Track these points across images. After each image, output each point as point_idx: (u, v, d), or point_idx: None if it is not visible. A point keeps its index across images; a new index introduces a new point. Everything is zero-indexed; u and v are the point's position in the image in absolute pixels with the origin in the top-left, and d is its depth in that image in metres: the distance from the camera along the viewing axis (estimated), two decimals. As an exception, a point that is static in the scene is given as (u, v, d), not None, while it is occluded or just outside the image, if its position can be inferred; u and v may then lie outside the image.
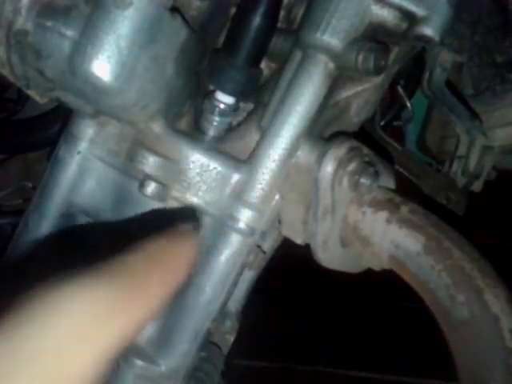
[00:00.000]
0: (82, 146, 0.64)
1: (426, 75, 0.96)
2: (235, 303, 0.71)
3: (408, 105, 0.96)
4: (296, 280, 1.90)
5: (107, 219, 0.65)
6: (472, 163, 0.98)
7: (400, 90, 0.94)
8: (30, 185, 0.99)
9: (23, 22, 0.55)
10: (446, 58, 0.93)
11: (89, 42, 0.54)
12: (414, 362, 1.75)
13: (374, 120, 0.93)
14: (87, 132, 0.64)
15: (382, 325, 1.89)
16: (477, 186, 1.01)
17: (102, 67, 0.54)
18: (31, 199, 0.69)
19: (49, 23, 0.55)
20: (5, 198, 1.01)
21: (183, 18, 0.58)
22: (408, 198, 0.60)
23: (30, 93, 0.61)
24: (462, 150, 0.99)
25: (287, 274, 1.62)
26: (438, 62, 0.94)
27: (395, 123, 1.08)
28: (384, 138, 0.92)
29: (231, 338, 0.72)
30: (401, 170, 0.93)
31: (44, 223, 0.66)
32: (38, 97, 0.61)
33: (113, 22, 0.53)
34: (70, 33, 0.55)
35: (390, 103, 1.01)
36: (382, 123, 0.97)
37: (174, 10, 0.58)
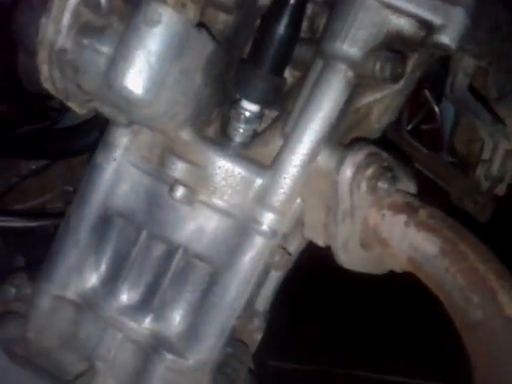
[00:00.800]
0: (118, 153, 0.69)
1: (449, 80, 0.96)
2: (263, 303, 0.73)
3: (436, 109, 0.97)
4: (322, 282, 1.89)
5: (140, 221, 0.69)
6: (495, 167, 0.98)
7: (427, 93, 0.95)
8: (71, 189, 1.05)
9: (63, 41, 0.60)
10: (468, 63, 0.93)
11: (121, 57, 0.58)
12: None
13: (400, 125, 0.94)
14: (122, 140, 0.68)
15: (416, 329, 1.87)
16: (500, 190, 1.01)
17: (134, 81, 0.58)
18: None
19: (85, 41, 0.60)
20: (49, 201, 1.07)
21: (210, 32, 0.62)
22: (426, 202, 0.61)
23: (70, 104, 0.66)
24: (486, 154, 0.99)
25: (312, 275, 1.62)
26: (460, 67, 0.94)
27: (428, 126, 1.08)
28: (411, 142, 0.93)
29: (258, 337, 0.75)
30: (427, 173, 0.93)
31: (83, 224, 0.71)
32: (77, 108, 0.66)
33: (143, 39, 0.57)
34: (104, 49, 0.59)
35: (418, 107, 1.02)
36: (409, 127, 0.98)
37: (201, 25, 0.61)
